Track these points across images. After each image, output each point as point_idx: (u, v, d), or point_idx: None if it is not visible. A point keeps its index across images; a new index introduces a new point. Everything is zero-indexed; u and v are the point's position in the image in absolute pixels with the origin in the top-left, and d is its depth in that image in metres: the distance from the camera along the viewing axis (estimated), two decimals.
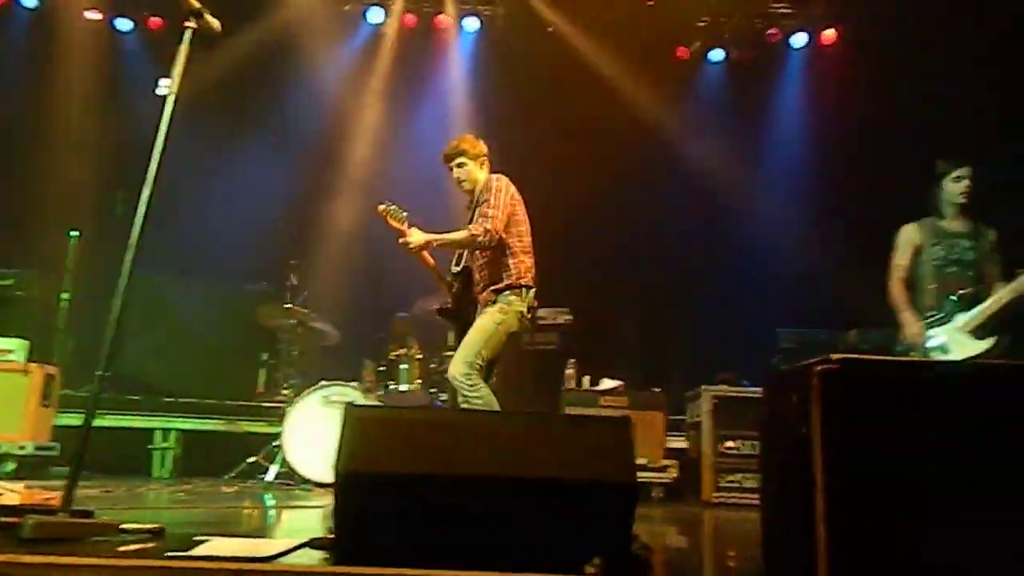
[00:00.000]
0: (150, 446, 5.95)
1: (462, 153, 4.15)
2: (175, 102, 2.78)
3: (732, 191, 7.29)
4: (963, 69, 6.53)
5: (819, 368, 1.76)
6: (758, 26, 7.51)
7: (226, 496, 4.42)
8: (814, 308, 6.64)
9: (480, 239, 3.91)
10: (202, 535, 2.26)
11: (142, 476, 5.72)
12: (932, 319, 3.99)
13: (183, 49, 2.85)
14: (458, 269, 4.24)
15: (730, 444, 5.32)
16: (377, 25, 7.67)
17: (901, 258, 4.18)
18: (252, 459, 5.45)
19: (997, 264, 3.99)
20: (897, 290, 4.15)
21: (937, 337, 3.94)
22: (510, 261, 3.98)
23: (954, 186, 4.08)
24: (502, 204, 3.99)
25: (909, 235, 4.20)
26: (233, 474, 5.42)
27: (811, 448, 1.74)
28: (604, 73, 7.47)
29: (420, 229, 3.98)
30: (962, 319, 3.89)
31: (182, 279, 6.96)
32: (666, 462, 5.51)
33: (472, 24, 7.64)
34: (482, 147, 4.23)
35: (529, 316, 3.99)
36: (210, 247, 7.00)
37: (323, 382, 5.37)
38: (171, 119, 2.77)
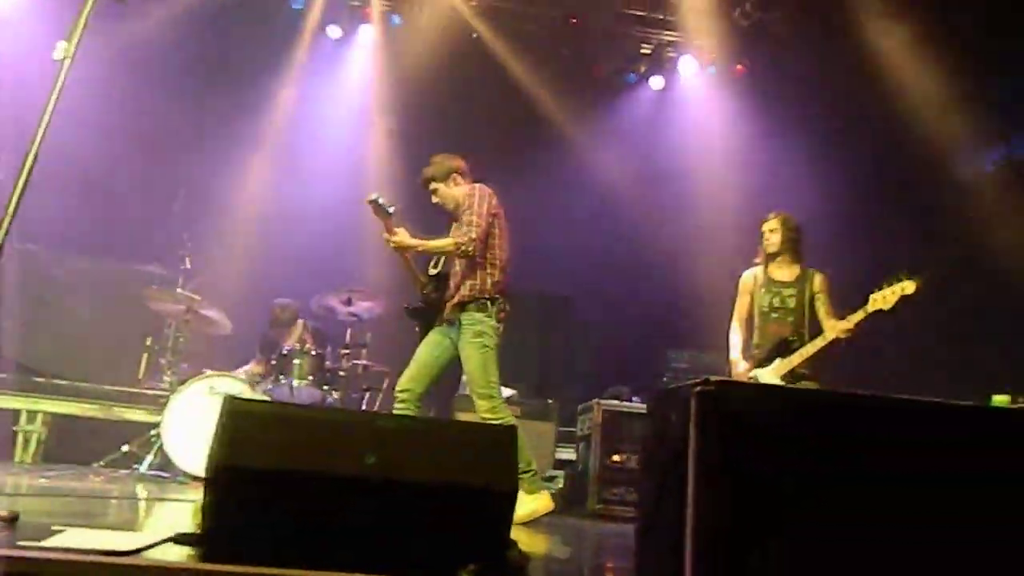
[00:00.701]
0: (14, 428, 5.58)
1: (431, 179, 4.22)
2: (70, 67, 2.65)
3: (634, 211, 7.50)
4: (862, 112, 6.98)
5: (697, 388, 1.84)
6: (671, 54, 7.76)
7: (94, 485, 4.20)
8: (706, 331, 6.90)
9: (464, 248, 3.97)
10: (60, 525, 2.14)
11: (2, 460, 5.36)
12: (757, 361, 4.30)
13: (84, 13, 2.71)
14: (436, 272, 4.29)
15: (616, 458, 5.45)
16: (299, 10, 7.51)
17: (740, 304, 4.53)
18: (126, 448, 5.20)
19: (824, 305, 4.29)
20: (732, 334, 4.50)
21: (757, 378, 4.23)
22: (479, 273, 4.04)
23: (764, 238, 4.44)
24: (484, 213, 4.04)
25: (745, 282, 4.54)
26: (104, 463, 5.15)
27: (685, 466, 1.81)
28: (523, 83, 7.56)
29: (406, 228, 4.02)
30: (778, 363, 4.19)
31: (63, 254, 6.57)
32: (554, 472, 5.58)
33: (396, 20, 7.58)
34: (449, 163, 4.25)
35: (502, 324, 4.06)
36: (99, 222, 6.65)
37: (209, 372, 5.19)
38: (63, 85, 2.63)
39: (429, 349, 4.10)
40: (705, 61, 7.75)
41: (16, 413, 5.60)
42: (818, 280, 4.33)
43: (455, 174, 4.23)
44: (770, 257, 4.42)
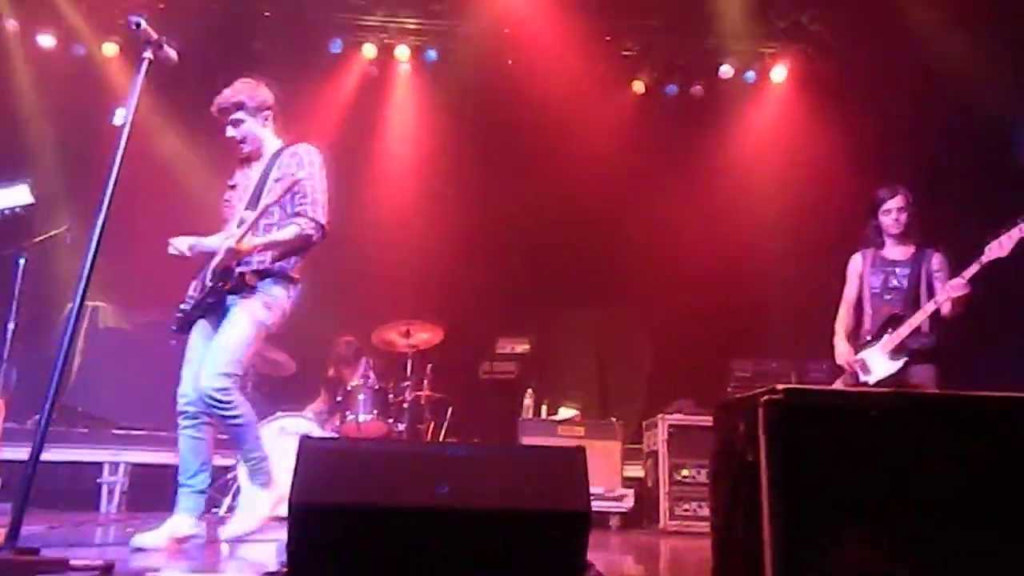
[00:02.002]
0: (99, 480, 5.79)
1: (240, 106, 3.40)
2: (129, 131, 2.78)
3: (688, 222, 7.44)
4: (912, 103, 6.81)
5: (764, 398, 1.82)
6: (710, 62, 7.73)
7: None
8: (768, 339, 6.80)
9: (315, 238, 3.33)
10: (152, 570, 2.21)
11: (90, 511, 5.55)
12: (866, 342, 4.10)
13: (139, 80, 2.84)
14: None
15: (685, 472, 5.38)
16: (337, 54, 7.72)
17: (849, 288, 4.35)
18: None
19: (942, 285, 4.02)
20: (839, 317, 4.32)
21: (864, 359, 4.04)
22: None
23: (885, 217, 4.20)
24: (325, 187, 3.40)
25: (855, 264, 4.35)
26: None
27: (757, 475, 1.79)
28: (563, 104, 7.60)
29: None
30: (886, 339, 3.98)
31: (132, 309, 6.83)
32: (623, 490, 5.54)
33: (432, 55, 7.72)
34: (265, 96, 3.49)
35: (289, 313, 3.43)
36: (162, 277, 6.88)
37: (279, 413, 5.31)
38: (126, 148, 2.76)
39: (203, 341, 3.36)
40: (744, 66, 7.69)
41: (99, 466, 5.82)
42: (936, 259, 4.08)
43: (268, 112, 3.49)
44: (894, 238, 4.16)
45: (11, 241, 6.20)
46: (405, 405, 5.81)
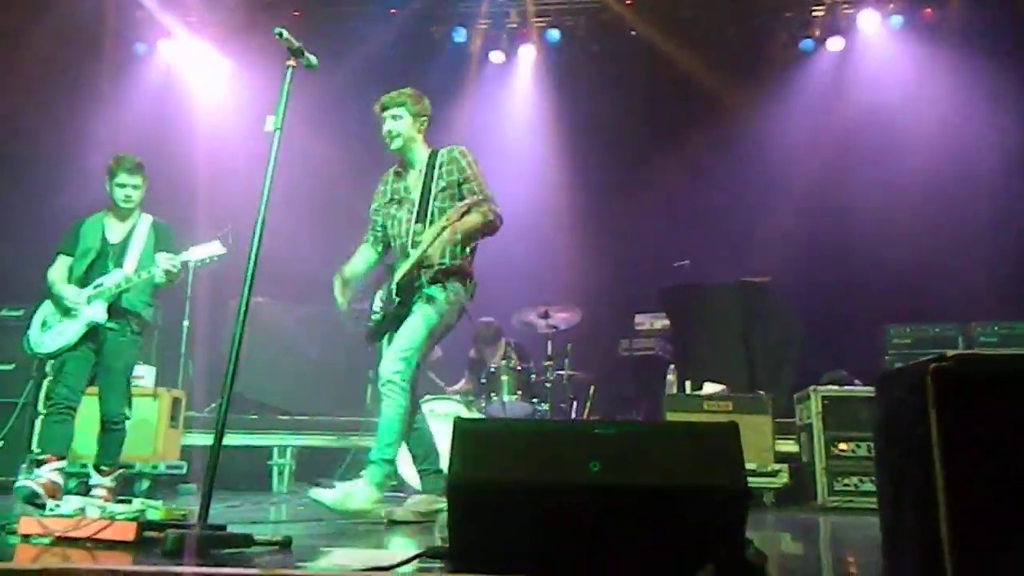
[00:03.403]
0: (269, 462, 6.24)
1: (403, 104, 3.61)
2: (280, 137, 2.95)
3: (834, 184, 7.05)
4: None
5: (933, 366, 1.71)
6: (847, 11, 7.27)
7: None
8: (929, 301, 6.35)
9: (497, 224, 3.53)
10: (326, 546, 2.37)
11: (263, 491, 6.00)
12: None
13: (285, 87, 3.00)
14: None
15: (843, 447, 5.14)
16: (462, 44, 7.85)
17: None
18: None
19: None
20: None
21: None
22: (467, 248, 3.60)
23: None
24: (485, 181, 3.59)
25: None
26: None
27: (929, 450, 1.68)
28: (692, 72, 7.38)
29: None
30: None
31: (290, 304, 7.27)
32: (776, 466, 5.36)
33: (555, 35, 7.71)
34: (425, 105, 3.69)
35: (466, 312, 3.66)
36: (314, 274, 7.28)
37: (427, 396, 5.52)
38: (277, 154, 2.93)
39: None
40: (887, 11, 7.18)
41: (268, 449, 6.27)
42: None
43: (425, 119, 3.68)
44: None
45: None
46: (548, 385, 5.88)
